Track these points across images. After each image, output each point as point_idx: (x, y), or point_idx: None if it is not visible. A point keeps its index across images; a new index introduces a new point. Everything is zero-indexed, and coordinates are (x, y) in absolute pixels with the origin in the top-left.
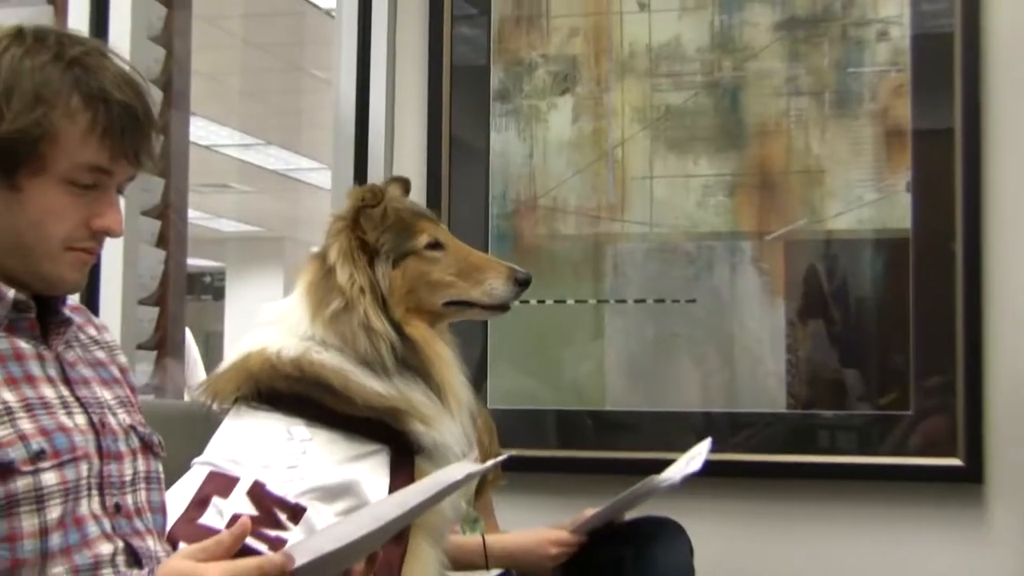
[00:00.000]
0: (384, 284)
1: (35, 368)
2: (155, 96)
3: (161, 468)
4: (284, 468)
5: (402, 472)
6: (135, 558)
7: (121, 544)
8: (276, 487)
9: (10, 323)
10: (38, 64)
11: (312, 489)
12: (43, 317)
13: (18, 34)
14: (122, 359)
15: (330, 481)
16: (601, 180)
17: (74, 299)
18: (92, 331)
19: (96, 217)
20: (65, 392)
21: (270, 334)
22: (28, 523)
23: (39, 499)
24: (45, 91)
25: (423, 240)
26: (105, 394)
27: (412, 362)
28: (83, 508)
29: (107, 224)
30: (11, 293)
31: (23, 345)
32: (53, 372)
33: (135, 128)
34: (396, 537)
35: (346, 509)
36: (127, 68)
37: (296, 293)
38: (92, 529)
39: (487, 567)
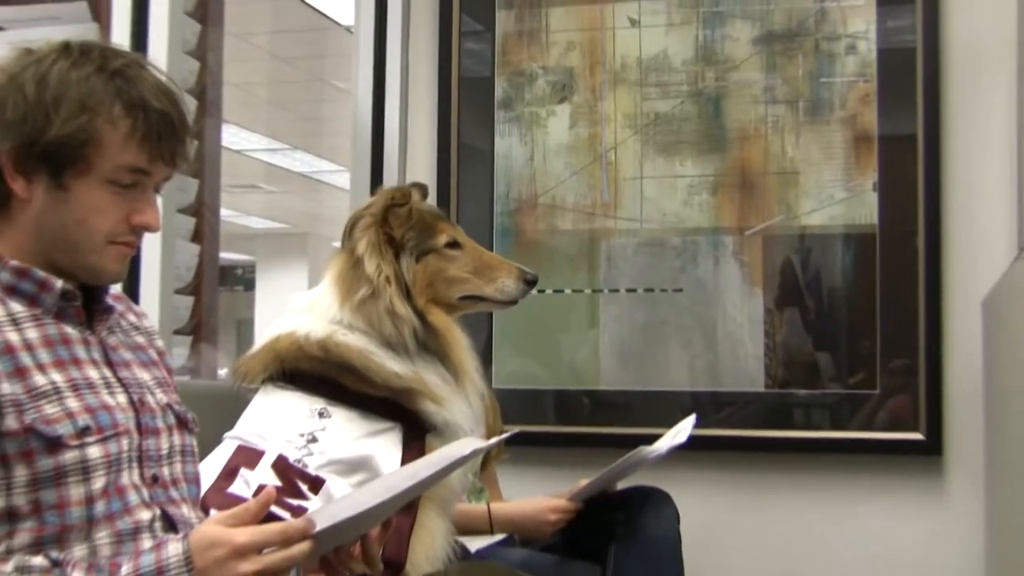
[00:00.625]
0: (408, 276)
1: (81, 351)
2: (190, 104)
3: (195, 442)
4: (305, 443)
5: (413, 448)
6: (171, 524)
7: (158, 511)
8: (298, 460)
9: (58, 311)
10: (83, 75)
11: (331, 462)
12: (88, 305)
13: (65, 48)
14: (159, 343)
15: (347, 455)
16: (596, 180)
17: (116, 288)
18: (132, 318)
19: (136, 214)
20: (108, 373)
21: (299, 319)
22: (75, 492)
23: (85, 471)
24: (90, 100)
25: (443, 239)
26: (144, 375)
27: (432, 345)
28: (124, 479)
29: (146, 220)
30: (59, 284)
31: (70, 331)
32: (97, 355)
33: (171, 133)
34: (407, 507)
35: (361, 481)
36: (164, 79)
37: (325, 283)
38: (132, 498)
39: (492, 532)
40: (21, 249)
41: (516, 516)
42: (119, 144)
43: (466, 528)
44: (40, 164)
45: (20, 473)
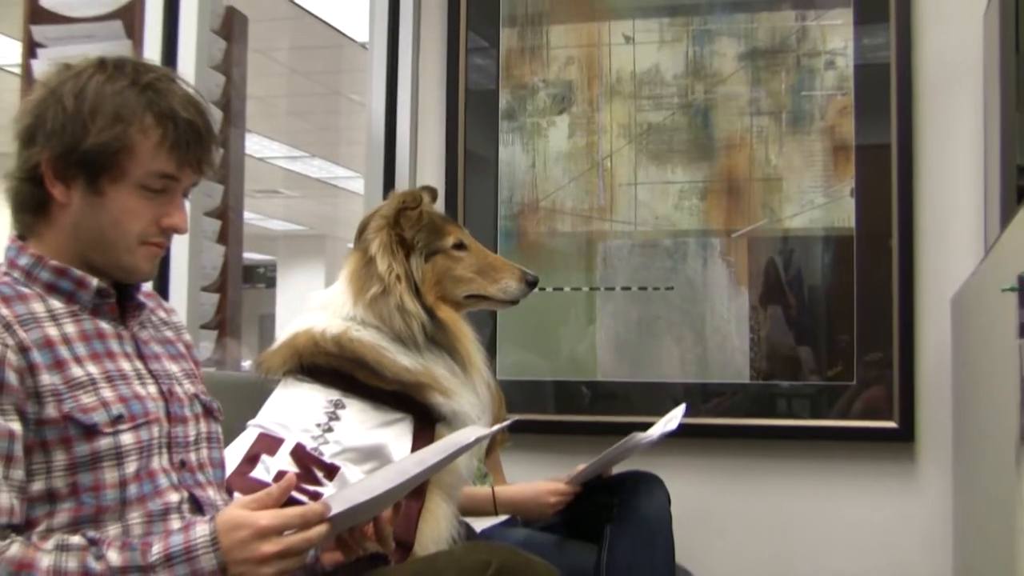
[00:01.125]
0: (417, 275)
1: (115, 345)
2: (216, 115)
3: (220, 430)
4: (321, 432)
5: (423, 437)
6: (197, 505)
7: (186, 494)
8: (314, 448)
9: (94, 307)
10: (118, 88)
11: (345, 451)
12: (121, 302)
13: (101, 64)
14: (187, 337)
15: (361, 444)
16: (593, 186)
17: (148, 287)
18: (162, 314)
19: (165, 216)
20: (140, 366)
21: (317, 317)
22: (110, 476)
23: (119, 456)
24: (123, 111)
25: (450, 241)
26: (173, 367)
27: (440, 339)
28: (155, 463)
29: (175, 222)
30: (95, 282)
31: (104, 326)
32: (130, 349)
33: (198, 141)
34: (416, 492)
35: (374, 469)
36: (192, 91)
37: (339, 281)
38: (162, 481)
39: (496, 513)
40: (60, 250)
41: (518, 498)
42: (150, 152)
43: (472, 510)
44: (78, 171)
45: (59, 458)
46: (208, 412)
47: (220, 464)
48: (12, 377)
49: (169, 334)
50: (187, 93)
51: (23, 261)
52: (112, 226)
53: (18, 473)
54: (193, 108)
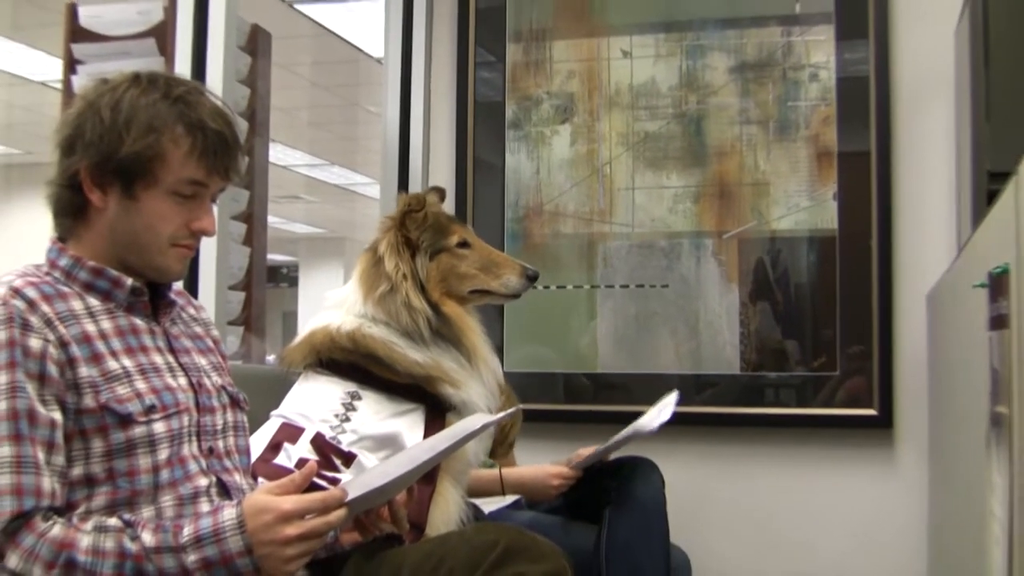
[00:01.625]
0: (423, 273)
1: (148, 340)
2: (241, 125)
3: (246, 419)
4: (339, 422)
5: (435, 426)
6: (224, 490)
7: (214, 479)
8: (333, 437)
9: (129, 304)
10: (151, 101)
11: (361, 439)
12: (154, 300)
13: (135, 78)
14: (215, 333)
15: (376, 433)
16: (593, 191)
17: (179, 285)
18: (192, 311)
19: (195, 220)
20: (171, 359)
21: (333, 314)
22: (144, 462)
23: (151, 443)
24: (156, 122)
25: (454, 240)
26: (202, 360)
27: (446, 333)
28: (185, 450)
29: (204, 226)
30: (130, 281)
31: (138, 322)
32: (161, 343)
33: (225, 150)
34: (427, 478)
35: (388, 456)
36: (219, 103)
37: (352, 280)
38: (192, 467)
39: (503, 493)
40: (97, 251)
41: (524, 479)
42: (181, 160)
43: (481, 490)
44: (114, 178)
45: (97, 445)
46: (235, 403)
47: (246, 451)
48: (53, 370)
49: (198, 329)
50: (215, 105)
51: (63, 262)
52: (145, 229)
53: (59, 459)
54: (221, 119)
